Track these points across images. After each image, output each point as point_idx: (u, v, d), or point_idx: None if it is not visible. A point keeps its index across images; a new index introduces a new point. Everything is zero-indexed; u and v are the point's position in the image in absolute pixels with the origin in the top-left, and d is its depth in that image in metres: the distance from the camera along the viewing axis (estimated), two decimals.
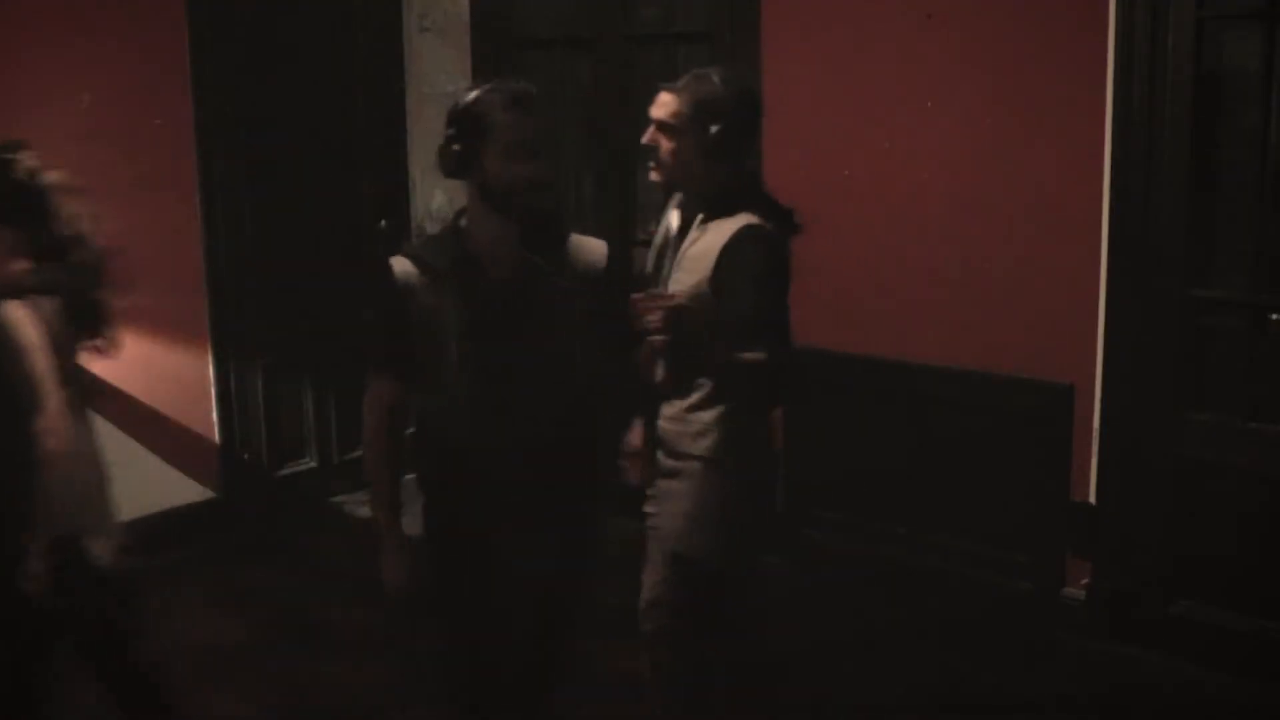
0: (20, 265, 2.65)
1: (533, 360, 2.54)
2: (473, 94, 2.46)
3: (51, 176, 2.69)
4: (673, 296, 2.59)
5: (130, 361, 4.51)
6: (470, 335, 2.48)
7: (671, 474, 2.84)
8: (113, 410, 4.47)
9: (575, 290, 2.57)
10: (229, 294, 4.82)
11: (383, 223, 5.38)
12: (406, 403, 2.64)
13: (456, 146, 2.44)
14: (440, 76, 5.30)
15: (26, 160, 2.65)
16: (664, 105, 2.81)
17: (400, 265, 2.51)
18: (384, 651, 3.86)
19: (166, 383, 4.66)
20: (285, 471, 5.17)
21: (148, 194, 4.51)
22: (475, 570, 2.62)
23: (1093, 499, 3.82)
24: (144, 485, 4.58)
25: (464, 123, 2.44)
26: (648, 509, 2.88)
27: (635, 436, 2.96)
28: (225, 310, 4.81)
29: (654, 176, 2.87)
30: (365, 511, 5.12)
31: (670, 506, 2.84)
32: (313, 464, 5.27)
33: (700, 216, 2.80)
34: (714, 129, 2.73)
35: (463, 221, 2.55)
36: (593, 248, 2.66)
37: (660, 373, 2.72)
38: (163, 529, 4.61)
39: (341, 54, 5.20)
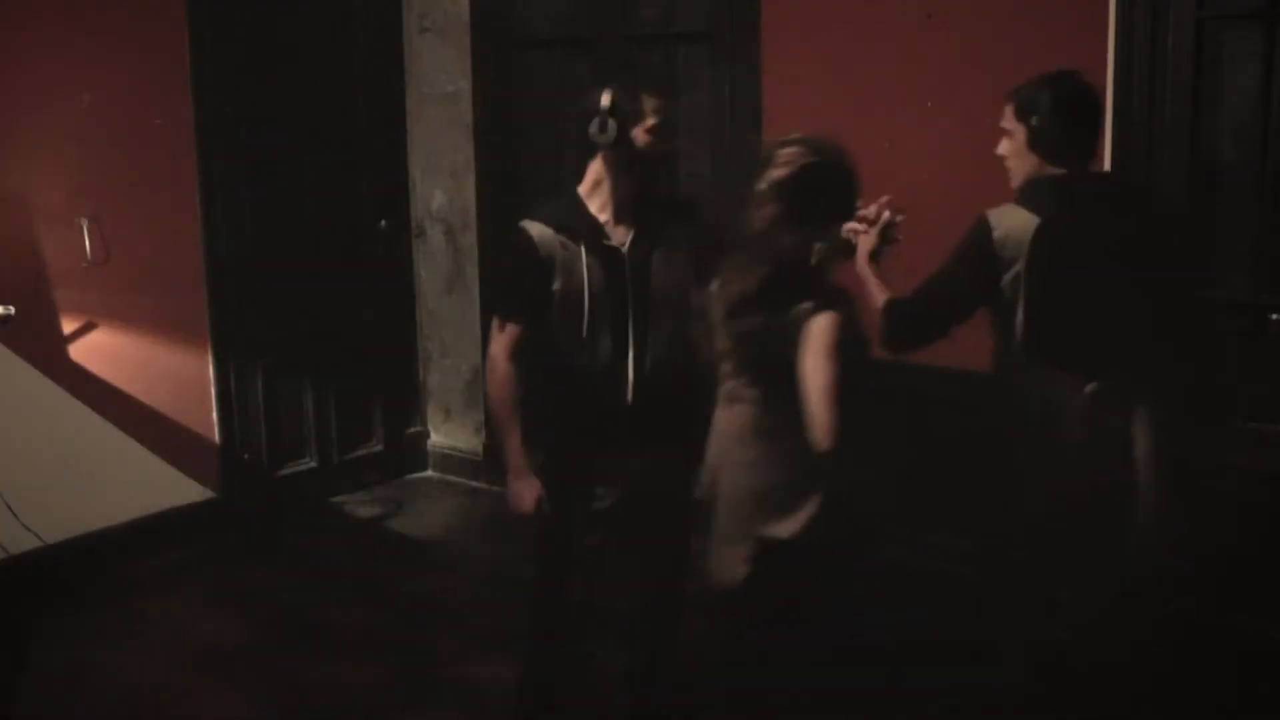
0: None
1: (651, 316, 2.92)
2: (608, 89, 2.83)
3: None
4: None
5: (130, 361, 4.54)
6: (603, 293, 2.87)
7: None
8: (113, 410, 4.49)
9: (679, 255, 2.97)
10: (229, 294, 4.82)
11: (382, 223, 5.39)
12: (526, 347, 2.95)
13: (613, 122, 2.81)
14: (440, 77, 5.30)
15: None
16: None
17: (538, 230, 2.88)
18: (384, 652, 3.87)
19: (166, 383, 4.66)
20: (285, 471, 5.16)
21: (147, 194, 4.52)
22: (579, 479, 3.00)
23: None
24: (144, 485, 4.60)
25: (621, 103, 2.82)
26: None
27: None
28: (225, 310, 4.81)
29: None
30: (365, 511, 5.16)
31: None
32: (313, 464, 5.26)
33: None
34: None
35: (581, 192, 2.92)
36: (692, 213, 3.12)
37: None
38: (163, 529, 4.62)
39: (341, 54, 5.20)
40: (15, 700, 3.55)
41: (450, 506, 5.28)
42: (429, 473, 5.68)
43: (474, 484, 5.47)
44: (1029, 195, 2.82)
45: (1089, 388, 2.78)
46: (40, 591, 4.16)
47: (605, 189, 2.91)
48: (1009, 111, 2.90)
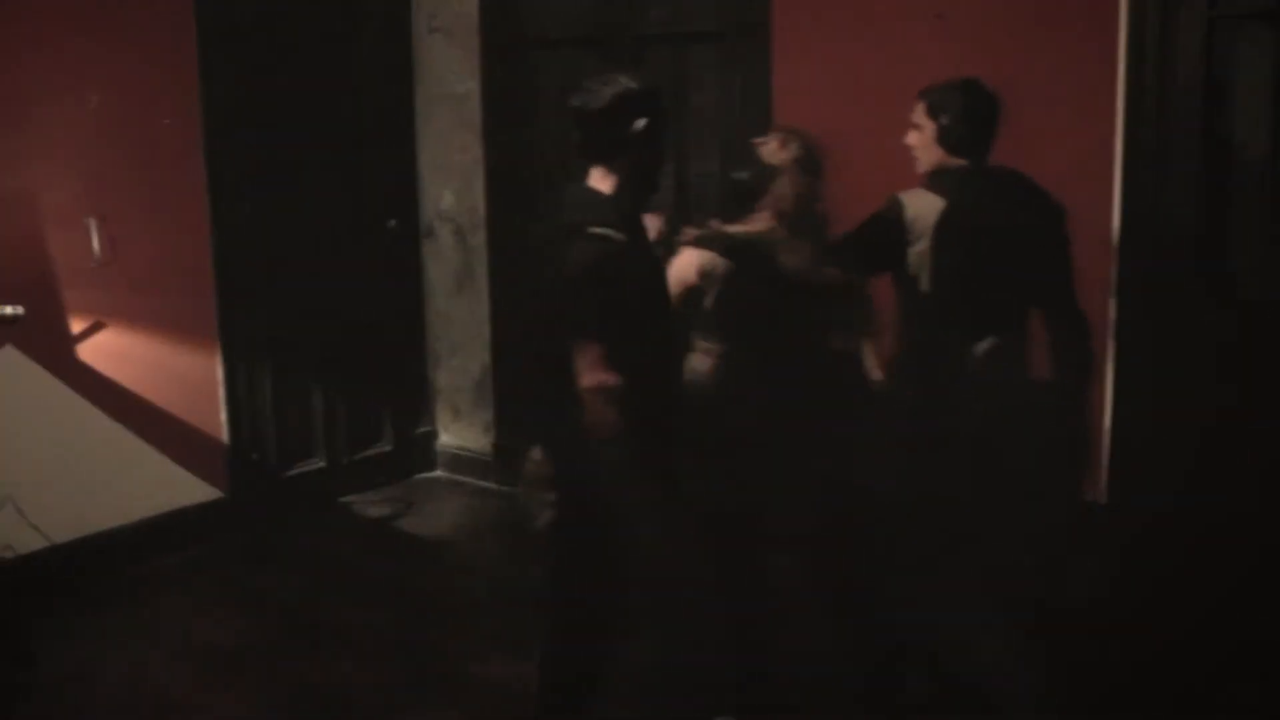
0: None
1: (669, 318, 2.88)
2: (637, 82, 2.68)
3: None
4: None
5: (139, 361, 4.54)
6: (648, 299, 2.74)
7: None
8: (121, 410, 4.50)
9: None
10: (237, 294, 4.82)
11: (391, 222, 5.39)
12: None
13: (642, 124, 2.64)
14: (449, 76, 5.30)
15: None
16: None
17: (619, 237, 2.63)
18: (394, 652, 3.86)
19: (175, 383, 4.66)
20: (293, 472, 5.16)
21: (156, 194, 4.52)
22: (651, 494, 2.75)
23: (1104, 499, 3.80)
24: (152, 485, 4.60)
25: (651, 105, 2.67)
26: None
27: None
28: (234, 310, 4.81)
29: None
30: (374, 512, 5.16)
31: None
32: (321, 464, 5.26)
33: None
34: None
35: (606, 192, 2.70)
36: None
37: None
38: (170, 529, 4.63)
39: (350, 54, 5.20)
40: (23, 699, 3.55)
41: (459, 506, 5.28)
42: (438, 473, 5.68)
43: (483, 484, 5.47)
44: (936, 182, 3.14)
45: (981, 345, 3.08)
46: (48, 591, 4.17)
47: (628, 191, 2.72)
48: (920, 109, 3.19)
